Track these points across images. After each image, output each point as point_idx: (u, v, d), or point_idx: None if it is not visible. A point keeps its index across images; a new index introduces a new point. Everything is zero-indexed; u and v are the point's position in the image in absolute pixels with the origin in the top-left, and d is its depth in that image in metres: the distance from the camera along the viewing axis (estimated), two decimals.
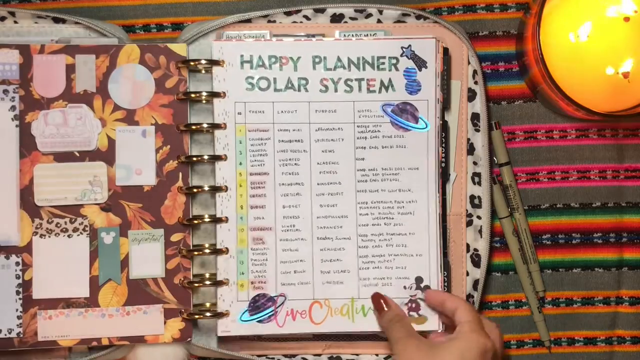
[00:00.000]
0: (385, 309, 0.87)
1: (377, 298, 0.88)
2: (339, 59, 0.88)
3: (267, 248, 0.89)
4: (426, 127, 0.88)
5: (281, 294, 0.88)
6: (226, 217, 0.88)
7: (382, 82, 0.88)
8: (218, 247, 0.88)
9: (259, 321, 0.88)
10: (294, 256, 0.89)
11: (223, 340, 0.89)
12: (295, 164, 0.89)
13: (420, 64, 0.88)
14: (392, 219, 0.89)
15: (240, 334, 0.88)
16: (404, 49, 0.88)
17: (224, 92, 0.88)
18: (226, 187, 0.88)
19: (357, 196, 0.89)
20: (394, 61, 0.88)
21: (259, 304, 0.88)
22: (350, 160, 0.89)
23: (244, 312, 0.88)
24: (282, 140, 0.89)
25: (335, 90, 0.89)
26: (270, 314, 0.88)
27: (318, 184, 0.89)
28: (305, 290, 0.89)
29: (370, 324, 0.89)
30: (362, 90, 0.89)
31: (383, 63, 0.88)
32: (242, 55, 0.88)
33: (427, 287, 0.89)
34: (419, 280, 0.89)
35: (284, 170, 0.89)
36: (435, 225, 0.89)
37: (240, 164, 0.88)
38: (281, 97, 0.88)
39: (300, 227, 0.89)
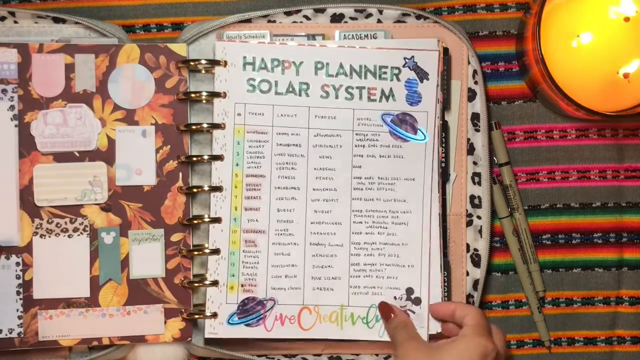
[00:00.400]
0: (392, 316, 0.87)
1: (384, 306, 0.88)
2: (341, 66, 0.88)
3: (259, 251, 0.88)
4: (425, 138, 0.88)
5: (271, 298, 0.88)
6: (220, 218, 0.88)
7: (382, 92, 0.88)
8: (210, 247, 0.88)
9: (247, 324, 0.88)
10: (286, 260, 0.88)
11: (223, 340, 0.89)
12: (292, 168, 0.88)
13: (422, 75, 0.88)
14: (386, 228, 0.89)
15: (228, 336, 0.88)
16: (406, 60, 0.88)
17: (224, 93, 0.88)
18: (223, 187, 0.88)
19: (352, 204, 0.89)
20: (396, 71, 0.88)
21: (248, 307, 0.88)
22: (347, 167, 0.89)
23: (232, 315, 0.88)
24: (280, 144, 0.88)
25: (336, 97, 0.88)
26: (258, 317, 0.88)
27: (314, 189, 0.89)
28: (295, 296, 0.88)
29: (359, 332, 0.88)
30: (362, 98, 0.88)
31: (385, 72, 0.88)
32: (244, 57, 0.88)
33: (418, 298, 0.88)
34: (409, 291, 0.88)
35: (280, 174, 0.88)
36: (428, 236, 0.88)
37: (237, 165, 0.88)
38: (282, 100, 0.88)
39: (293, 231, 0.88)
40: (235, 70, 0.88)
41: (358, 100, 0.88)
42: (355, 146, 0.88)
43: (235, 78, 0.88)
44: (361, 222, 0.89)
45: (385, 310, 0.88)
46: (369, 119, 0.88)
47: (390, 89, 0.88)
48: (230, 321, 0.88)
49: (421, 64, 0.88)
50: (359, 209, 0.89)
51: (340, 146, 0.88)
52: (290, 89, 0.88)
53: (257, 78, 0.88)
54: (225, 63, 0.88)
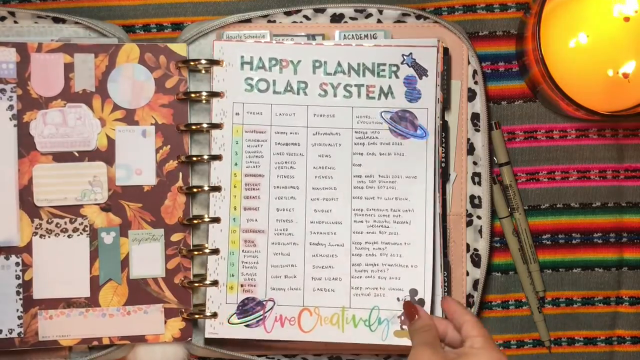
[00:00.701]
0: (416, 317, 0.85)
1: (409, 306, 0.85)
2: (339, 64, 0.88)
3: (259, 251, 0.88)
4: (425, 135, 0.88)
5: (270, 298, 0.88)
6: (219, 217, 0.88)
7: (381, 89, 0.88)
8: (210, 247, 0.88)
9: (246, 325, 0.88)
10: (285, 260, 0.88)
11: (223, 340, 0.89)
12: (291, 167, 0.88)
13: (421, 72, 0.87)
14: (388, 227, 0.88)
15: (228, 336, 0.88)
16: (404, 57, 0.88)
17: (222, 92, 0.88)
18: (222, 187, 0.88)
19: (353, 203, 0.88)
20: (394, 68, 0.88)
21: (247, 308, 0.88)
22: (346, 166, 0.88)
23: (232, 315, 0.88)
24: (279, 143, 0.88)
25: (335, 95, 0.88)
26: (258, 318, 0.88)
27: (313, 188, 0.88)
28: (295, 296, 0.88)
29: (361, 335, 0.87)
30: (361, 96, 0.88)
31: (383, 70, 0.88)
32: (242, 56, 0.88)
33: (422, 300, 0.87)
34: (413, 292, 0.87)
35: (279, 173, 0.88)
36: (431, 235, 0.87)
37: (236, 164, 0.88)
38: (280, 99, 0.88)
39: (293, 231, 0.88)
40: (232, 70, 0.88)
41: (357, 98, 0.88)
42: (355, 144, 0.88)
43: (233, 78, 0.88)
44: (362, 222, 0.88)
45: (410, 310, 0.85)
46: (368, 117, 0.88)
47: (389, 86, 0.88)
48: (230, 321, 0.88)
49: (420, 60, 0.88)
50: (360, 208, 0.88)
51: (340, 144, 0.88)
52: (289, 88, 0.88)
53: (255, 77, 0.88)
54: (223, 63, 0.87)
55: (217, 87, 0.88)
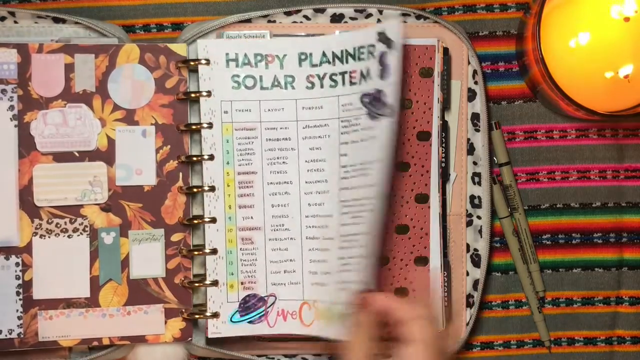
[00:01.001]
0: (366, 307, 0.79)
1: (362, 295, 0.80)
2: (324, 54, 0.87)
3: (257, 248, 0.88)
4: (392, 113, 0.83)
5: (271, 294, 0.88)
6: (215, 217, 0.88)
7: (361, 73, 0.86)
8: (207, 247, 0.87)
9: (249, 322, 0.87)
10: (284, 256, 0.88)
11: (223, 340, 0.89)
12: (284, 162, 0.88)
13: (389, 45, 0.84)
14: (362, 217, 0.83)
15: (231, 335, 0.88)
16: (379, 34, 0.85)
17: (210, 91, 0.87)
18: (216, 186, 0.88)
19: (340, 194, 0.86)
20: (371, 48, 0.85)
21: (249, 305, 0.88)
22: (335, 157, 0.87)
23: (234, 313, 0.88)
24: (270, 139, 0.88)
25: (321, 86, 0.87)
26: (260, 314, 0.88)
27: (306, 182, 0.88)
28: (295, 291, 0.88)
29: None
30: (345, 83, 0.87)
31: (362, 52, 0.86)
32: (227, 54, 0.87)
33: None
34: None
35: (272, 169, 0.88)
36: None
37: (228, 163, 0.88)
38: (268, 95, 0.87)
39: (289, 226, 0.88)
40: (218, 68, 0.87)
41: (342, 87, 0.87)
42: (341, 134, 0.87)
43: (219, 76, 0.87)
44: (347, 213, 0.85)
45: (364, 298, 0.80)
46: (352, 104, 0.86)
47: (368, 68, 0.85)
48: (232, 319, 0.88)
49: (388, 34, 0.84)
50: (346, 199, 0.86)
51: (328, 135, 0.87)
52: (276, 83, 0.87)
53: (242, 74, 0.87)
54: (208, 61, 0.87)
55: (203, 86, 0.87)
